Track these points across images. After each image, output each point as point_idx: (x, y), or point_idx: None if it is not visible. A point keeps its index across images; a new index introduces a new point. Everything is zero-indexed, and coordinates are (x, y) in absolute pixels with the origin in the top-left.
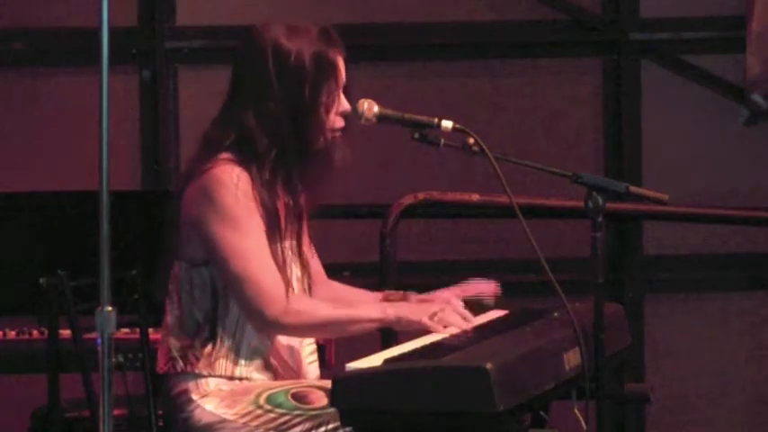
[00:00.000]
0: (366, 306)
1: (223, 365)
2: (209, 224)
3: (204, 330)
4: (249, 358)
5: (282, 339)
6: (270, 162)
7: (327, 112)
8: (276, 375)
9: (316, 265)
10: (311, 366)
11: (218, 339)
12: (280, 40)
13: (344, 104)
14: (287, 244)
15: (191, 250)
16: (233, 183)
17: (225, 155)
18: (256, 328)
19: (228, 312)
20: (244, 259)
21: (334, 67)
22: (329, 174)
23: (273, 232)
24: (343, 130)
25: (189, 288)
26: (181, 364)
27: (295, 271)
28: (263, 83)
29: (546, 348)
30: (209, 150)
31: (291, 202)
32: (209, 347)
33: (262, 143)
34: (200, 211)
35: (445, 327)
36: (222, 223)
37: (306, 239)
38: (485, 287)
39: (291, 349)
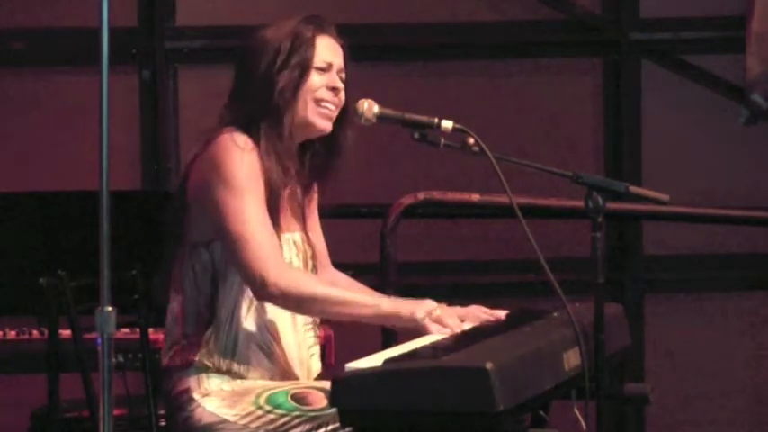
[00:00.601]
0: (363, 295)
1: (221, 354)
2: (212, 189)
3: (204, 317)
4: (247, 348)
5: (283, 332)
6: (271, 139)
7: (302, 77)
8: (276, 365)
9: (321, 248)
10: (313, 359)
11: (217, 327)
12: (264, 34)
13: (333, 81)
14: (290, 236)
15: (195, 231)
16: (239, 148)
17: (229, 127)
18: (253, 290)
19: (226, 300)
20: (244, 222)
21: (309, 41)
22: (332, 149)
23: (274, 219)
24: (342, 117)
25: (191, 274)
26: (183, 353)
27: (297, 264)
28: (253, 72)
29: (546, 348)
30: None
31: (298, 189)
32: (207, 334)
33: (251, 116)
34: (205, 178)
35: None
36: (225, 188)
37: (313, 225)
38: (488, 317)
39: (292, 338)
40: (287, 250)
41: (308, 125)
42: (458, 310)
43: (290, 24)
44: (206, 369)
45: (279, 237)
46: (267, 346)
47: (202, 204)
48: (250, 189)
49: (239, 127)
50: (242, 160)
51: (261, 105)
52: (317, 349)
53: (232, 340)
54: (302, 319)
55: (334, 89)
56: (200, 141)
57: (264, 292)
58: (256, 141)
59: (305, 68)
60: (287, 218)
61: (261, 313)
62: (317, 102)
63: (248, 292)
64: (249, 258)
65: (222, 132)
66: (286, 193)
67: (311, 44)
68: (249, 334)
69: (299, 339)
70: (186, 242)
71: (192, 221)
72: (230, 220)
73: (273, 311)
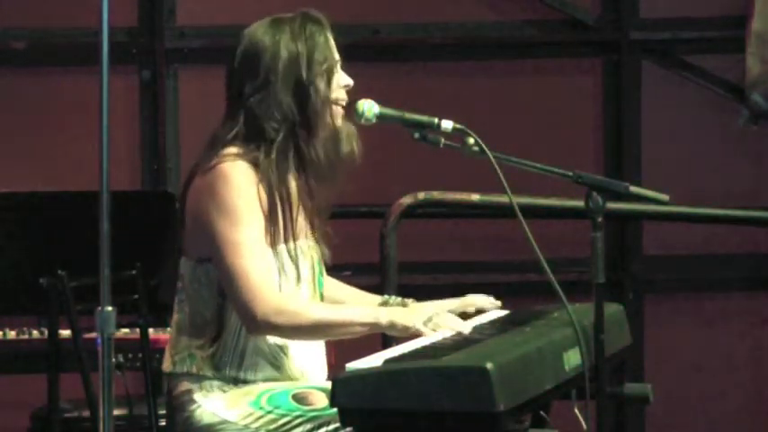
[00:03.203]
0: (360, 309)
1: (227, 367)
2: (210, 218)
3: (211, 330)
4: (254, 360)
5: (292, 343)
6: (279, 145)
7: (328, 83)
8: (285, 379)
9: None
10: (321, 370)
11: (224, 339)
12: (266, 35)
13: (345, 79)
14: (299, 243)
15: (197, 247)
16: (237, 177)
17: (230, 149)
18: (246, 326)
19: (233, 313)
20: (237, 253)
21: (323, 42)
22: (340, 152)
23: (285, 229)
24: (350, 115)
25: (197, 286)
26: (187, 364)
27: (305, 273)
28: (260, 76)
29: (546, 348)
30: (213, 147)
31: (307, 197)
32: (214, 347)
33: (270, 128)
34: (202, 206)
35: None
36: (222, 216)
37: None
38: (485, 302)
39: (301, 349)
40: (296, 259)
41: (334, 131)
42: (454, 302)
43: (293, 27)
44: (209, 378)
45: (292, 245)
46: (275, 358)
47: (201, 229)
48: (248, 219)
49: (250, 144)
50: (240, 190)
51: (290, 121)
52: (324, 360)
53: (239, 354)
54: None
55: (346, 86)
56: (203, 163)
57: (254, 329)
58: (262, 146)
59: (331, 73)
60: (297, 225)
61: None
62: (337, 102)
63: None
64: (240, 294)
65: (222, 160)
66: (297, 198)
67: (327, 46)
68: (257, 348)
69: (309, 350)
70: (190, 252)
71: (194, 239)
72: (225, 252)
73: None
